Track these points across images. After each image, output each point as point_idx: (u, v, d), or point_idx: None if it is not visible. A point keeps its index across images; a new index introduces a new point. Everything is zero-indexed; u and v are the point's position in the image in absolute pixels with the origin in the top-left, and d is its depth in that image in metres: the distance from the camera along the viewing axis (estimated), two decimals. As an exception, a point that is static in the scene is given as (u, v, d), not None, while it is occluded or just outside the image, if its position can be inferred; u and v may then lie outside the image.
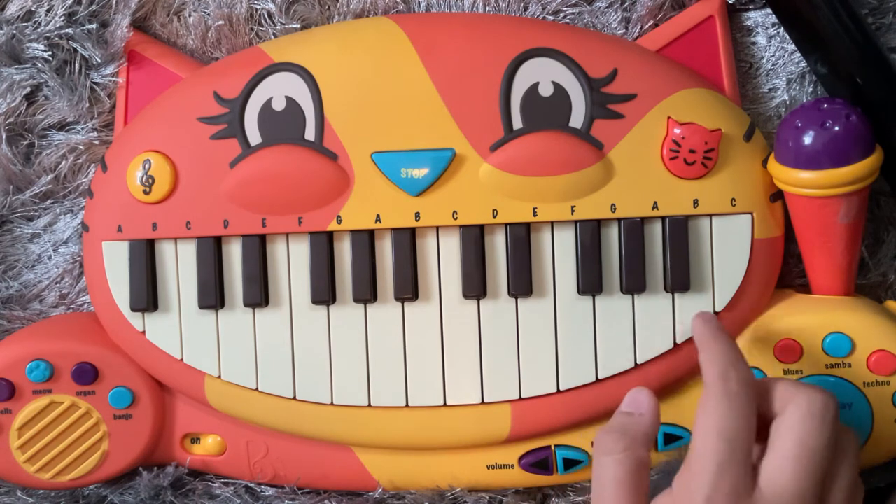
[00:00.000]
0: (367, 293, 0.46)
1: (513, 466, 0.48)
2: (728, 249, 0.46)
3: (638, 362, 0.46)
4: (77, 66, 0.47)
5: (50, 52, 0.47)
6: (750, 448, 0.37)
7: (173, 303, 0.47)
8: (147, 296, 0.46)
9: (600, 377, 0.46)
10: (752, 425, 0.37)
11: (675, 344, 0.46)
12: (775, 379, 0.40)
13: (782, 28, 0.48)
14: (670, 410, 0.47)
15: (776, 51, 0.48)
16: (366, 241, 0.46)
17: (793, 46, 0.48)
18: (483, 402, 0.47)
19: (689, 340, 0.46)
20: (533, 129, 0.45)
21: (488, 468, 0.48)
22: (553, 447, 0.48)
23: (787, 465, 0.36)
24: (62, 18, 0.47)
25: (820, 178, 0.43)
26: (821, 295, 0.47)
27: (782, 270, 0.48)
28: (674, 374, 0.46)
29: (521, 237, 0.46)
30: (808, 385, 0.39)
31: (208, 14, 0.48)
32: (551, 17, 0.48)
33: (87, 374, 0.47)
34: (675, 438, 0.47)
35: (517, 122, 0.45)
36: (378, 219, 0.46)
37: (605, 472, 0.38)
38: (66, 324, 0.49)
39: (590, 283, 0.46)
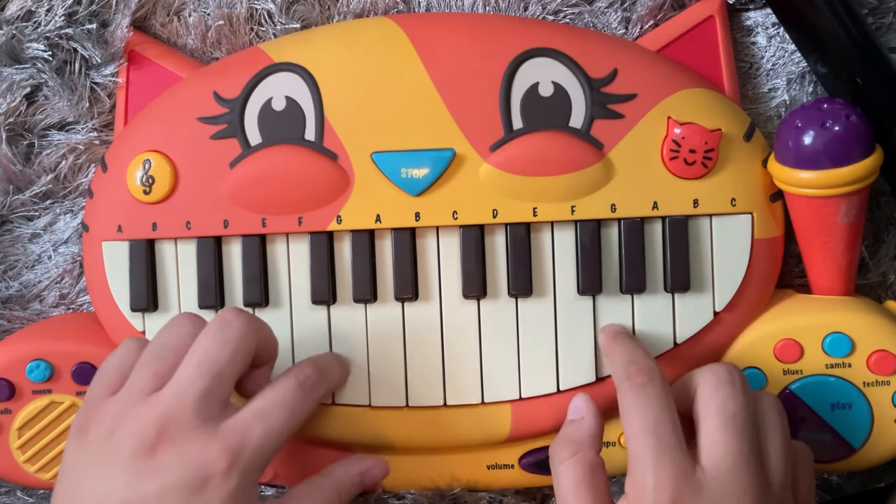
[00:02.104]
0: (367, 293, 0.46)
1: (513, 466, 0.48)
2: (728, 249, 0.46)
3: (638, 362, 0.46)
4: (77, 66, 0.47)
5: (50, 52, 0.47)
6: (676, 430, 0.38)
7: (173, 303, 0.47)
8: (147, 296, 0.46)
9: (600, 377, 0.46)
10: (670, 409, 0.39)
11: (675, 344, 0.46)
12: (685, 375, 0.41)
13: (782, 28, 0.48)
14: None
15: (776, 51, 0.48)
16: (366, 241, 0.46)
17: (793, 46, 0.48)
18: (483, 402, 0.47)
19: (689, 340, 0.46)
20: (533, 129, 0.45)
21: (488, 468, 0.48)
22: (553, 447, 0.48)
23: (717, 435, 0.38)
24: (62, 18, 0.47)
25: (820, 178, 0.43)
26: (821, 295, 0.47)
27: (782, 270, 0.48)
28: (674, 373, 0.46)
29: (521, 237, 0.46)
30: (708, 365, 0.41)
31: (208, 14, 0.48)
32: (551, 17, 0.48)
33: (87, 374, 0.47)
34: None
35: (517, 122, 0.45)
36: (378, 219, 0.46)
37: (561, 479, 0.40)
38: (66, 324, 0.49)
39: (590, 283, 0.46)
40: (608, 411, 0.45)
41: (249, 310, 0.47)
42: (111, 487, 0.37)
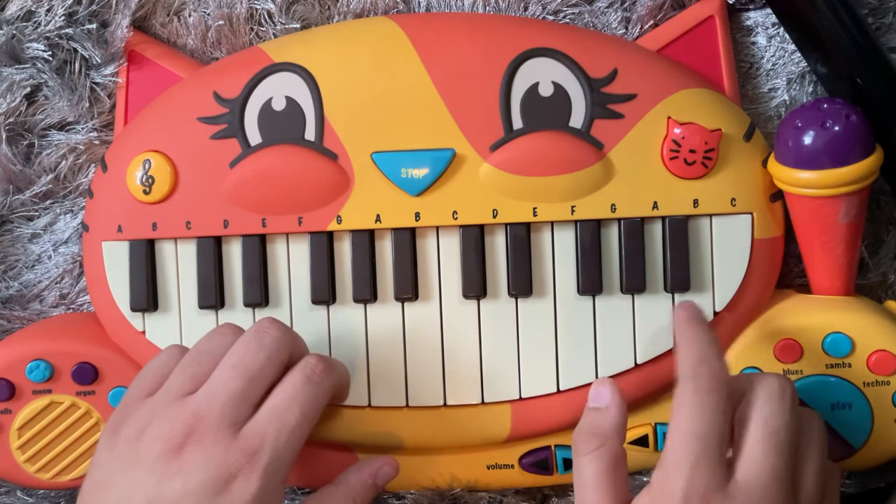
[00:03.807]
0: (367, 293, 0.46)
1: (513, 466, 0.48)
2: (728, 249, 0.46)
3: (638, 362, 0.46)
4: (77, 66, 0.47)
5: (50, 52, 0.47)
6: (723, 443, 0.38)
7: (173, 303, 0.47)
8: (147, 296, 0.46)
9: (600, 377, 0.46)
10: (724, 421, 0.38)
11: (675, 344, 0.46)
12: (737, 375, 0.41)
13: (782, 28, 0.48)
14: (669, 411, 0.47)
15: (776, 51, 0.48)
16: (366, 241, 0.46)
17: (793, 46, 0.48)
18: (483, 402, 0.47)
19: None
20: (533, 129, 0.45)
21: (488, 468, 0.48)
22: (553, 447, 0.48)
23: (756, 450, 0.37)
24: (62, 18, 0.47)
25: (820, 178, 0.43)
26: (821, 295, 0.47)
27: (782, 270, 0.48)
28: (674, 373, 0.46)
29: (521, 237, 0.46)
30: (762, 373, 0.40)
31: (208, 14, 0.48)
32: (551, 17, 0.48)
33: (87, 374, 0.47)
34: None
35: (517, 122, 0.45)
36: (378, 219, 0.46)
37: (583, 471, 0.39)
38: (66, 324, 0.49)
39: (590, 283, 0.46)
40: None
41: (249, 310, 0.47)
42: (137, 487, 0.38)
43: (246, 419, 0.39)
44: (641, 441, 0.47)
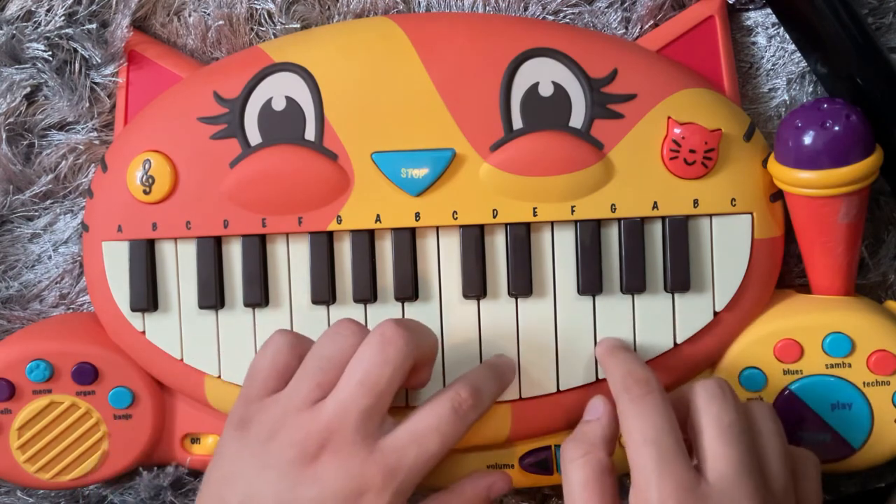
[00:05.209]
0: (367, 293, 0.46)
1: (513, 466, 0.48)
2: (728, 249, 0.46)
3: (638, 362, 0.46)
4: (77, 66, 0.47)
5: (50, 52, 0.47)
6: (678, 440, 0.38)
7: (173, 303, 0.47)
8: (147, 296, 0.46)
9: (600, 377, 0.46)
10: (669, 418, 0.39)
11: (675, 344, 0.46)
12: (675, 390, 0.42)
13: (782, 28, 0.48)
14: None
15: (776, 51, 0.48)
16: (366, 241, 0.46)
17: (793, 46, 0.48)
18: (483, 402, 0.47)
19: (690, 340, 0.46)
20: (533, 129, 0.45)
21: (488, 468, 0.48)
22: (553, 447, 0.48)
23: (716, 448, 0.38)
24: (62, 18, 0.47)
25: (820, 178, 0.43)
26: (821, 295, 0.47)
27: (782, 270, 0.48)
28: (674, 374, 0.46)
29: (521, 237, 0.46)
30: (697, 381, 0.41)
31: (208, 14, 0.48)
32: (551, 17, 0.48)
33: (87, 374, 0.47)
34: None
35: (517, 122, 0.45)
36: (378, 219, 0.46)
37: (570, 477, 0.40)
38: (66, 324, 0.49)
39: (590, 283, 0.46)
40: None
41: (249, 310, 0.47)
42: (268, 487, 0.38)
43: (377, 430, 0.39)
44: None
